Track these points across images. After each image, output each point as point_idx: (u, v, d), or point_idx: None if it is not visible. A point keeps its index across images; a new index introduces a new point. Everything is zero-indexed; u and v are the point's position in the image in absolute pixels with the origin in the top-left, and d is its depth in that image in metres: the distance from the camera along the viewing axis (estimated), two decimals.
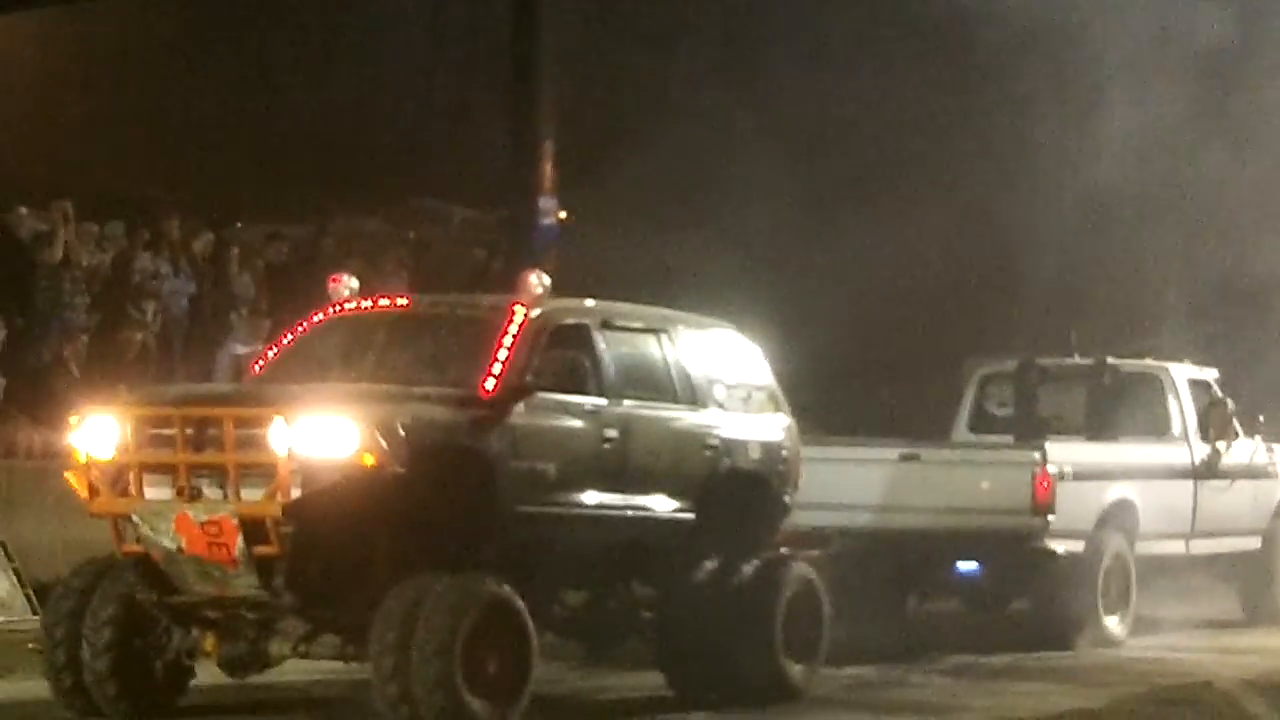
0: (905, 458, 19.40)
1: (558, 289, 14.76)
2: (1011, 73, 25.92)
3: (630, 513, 14.34)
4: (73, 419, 13.39)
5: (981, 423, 21.62)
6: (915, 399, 25.10)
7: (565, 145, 24.15)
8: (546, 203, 24.01)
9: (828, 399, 24.15)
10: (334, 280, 14.98)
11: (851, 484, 19.09)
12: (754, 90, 28.00)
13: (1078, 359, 21.72)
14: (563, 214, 24.64)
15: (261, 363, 14.70)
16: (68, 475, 13.36)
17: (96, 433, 13.10)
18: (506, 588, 12.90)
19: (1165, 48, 24.93)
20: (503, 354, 13.58)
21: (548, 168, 24.02)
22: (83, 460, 13.11)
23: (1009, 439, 20.64)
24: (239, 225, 23.67)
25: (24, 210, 21.98)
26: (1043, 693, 15.91)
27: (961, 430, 21.67)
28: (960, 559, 19.34)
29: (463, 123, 26.89)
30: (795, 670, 14.95)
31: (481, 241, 26.67)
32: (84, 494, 13.16)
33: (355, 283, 14.84)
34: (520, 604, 12.96)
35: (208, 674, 13.61)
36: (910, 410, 24.36)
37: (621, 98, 29.22)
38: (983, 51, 25.89)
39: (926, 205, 26.84)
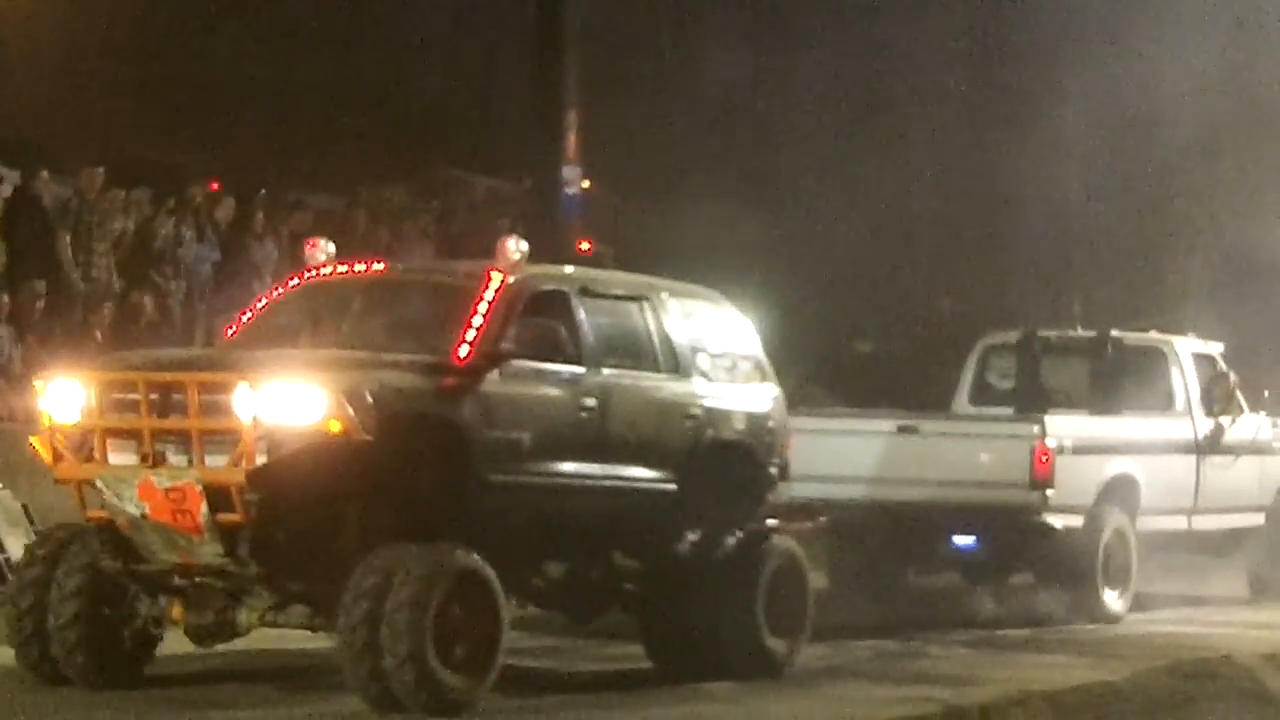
0: (903, 430, 19.34)
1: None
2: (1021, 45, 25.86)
3: (609, 483, 14.15)
4: (38, 384, 13.24)
5: (983, 395, 21.53)
6: (924, 370, 25.08)
7: (589, 116, 24.22)
8: (570, 172, 24.23)
9: (834, 367, 24.15)
10: (310, 245, 14.80)
11: (849, 456, 19.03)
12: (777, 61, 28.02)
13: (1081, 331, 21.66)
14: (585, 183, 24.72)
15: (234, 328, 14.52)
16: (33, 440, 13.21)
17: (61, 398, 12.91)
18: (477, 558, 12.70)
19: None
20: (477, 320, 13.37)
21: (571, 138, 24.17)
22: (47, 425, 12.93)
23: (1009, 411, 20.51)
24: (263, 193, 23.63)
25: (46, 175, 21.94)
26: (1062, 665, 15.91)
27: (963, 402, 21.59)
28: (958, 533, 19.23)
29: (488, 93, 26.87)
30: (778, 644, 14.81)
31: (505, 211, 26.72)
32: (48, 459, 12.99)
33: (331, 248, 14.63)
34: (491, 575, 12.77)
35: (177, 643, 13.49)
36: (920, 382, 24.31)
37: (645, 69, 29.25)
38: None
39: (941, 173, 26.81)
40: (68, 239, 21.12)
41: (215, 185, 23.89)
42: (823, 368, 23.62)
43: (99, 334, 20.17)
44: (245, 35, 30.21)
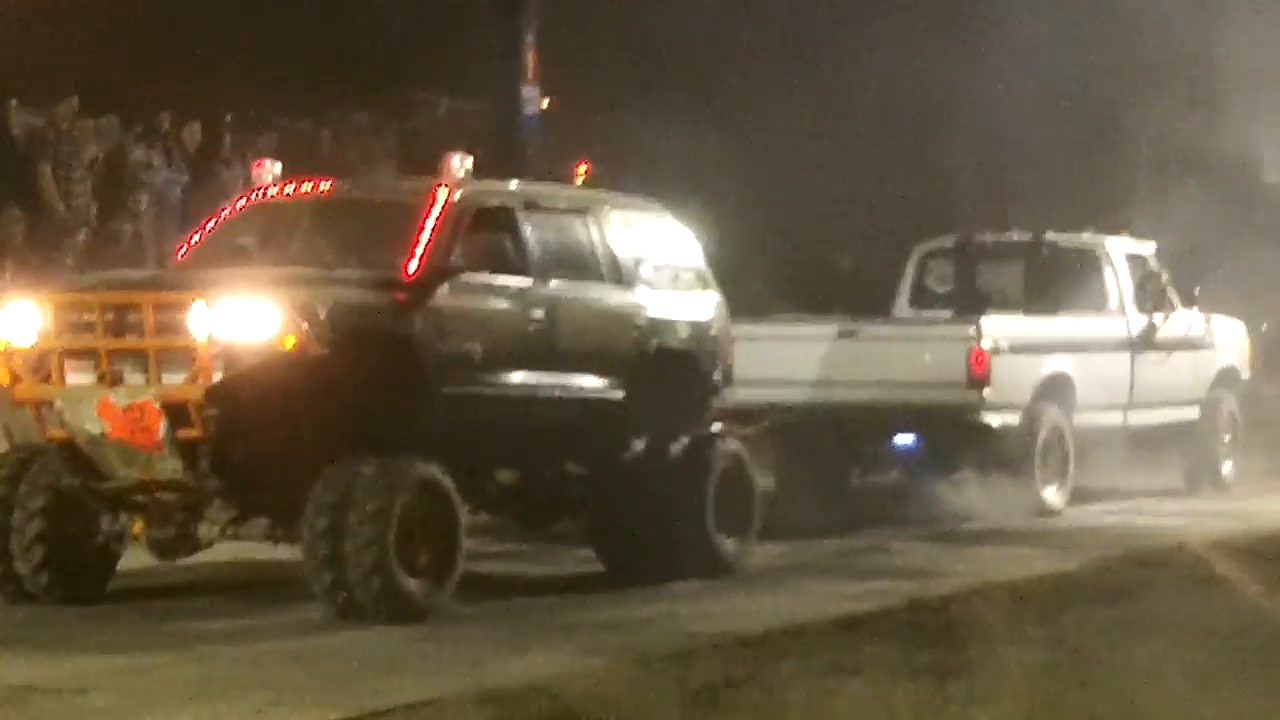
0: (843, 334, 19.60)
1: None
2: None
3: (559, 393, 14.36)
4: None
5: (922, 298, 21.78)
6: (865, 275, 25.28)
7: (547, 36, 24.39)
8: (529, 92, 24.45)
9: (786, 274, 24.39)
10: (256, 165, 14.96)
11: (792, 361, 19.27)
12: None
13: (1016, 234, 21.85)
14: (545, 103, 24.91)
15: (184, 249, 14.64)
16: None
17: (18, 320, 13.04)
18: (435, 468, 12.90)
19: None
20: (425, 236, 13.54)
21: (530, 58, 24.38)
22: (3, 348, 13.05)
23: (946, 314, 20.78)
24: (229, 117, 23.79)
25: (14, 103, 22.04)
26: (1020, 557, 16.15)
27: (902, 306, 21.83)
28: (899, 433, 19.48)
29: (449, 15, 26.95)
30: (727, 545, 15.03)
31: (467, 130, 26.91)
32: (6, 381, 13.14)
33: (278, 168, 14.76)
34: (449, 484, 12.99)
35: (135, 558, 13.66)
36: (862, 286, 24.49)
37: None
38: None
39: (890, 86, 26.99)
40: (48, 168, 21.27)
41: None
42: (779, 276, 23.84)
43: (70, 259, 20.33)
44: None
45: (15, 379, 13.05)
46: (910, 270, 21.97)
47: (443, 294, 13.42)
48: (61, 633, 12.29)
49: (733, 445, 15.41)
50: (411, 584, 12.63)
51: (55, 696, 10.38)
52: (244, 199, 14.85)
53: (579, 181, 14.05)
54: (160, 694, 10.45)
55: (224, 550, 13.76)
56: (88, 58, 23.15)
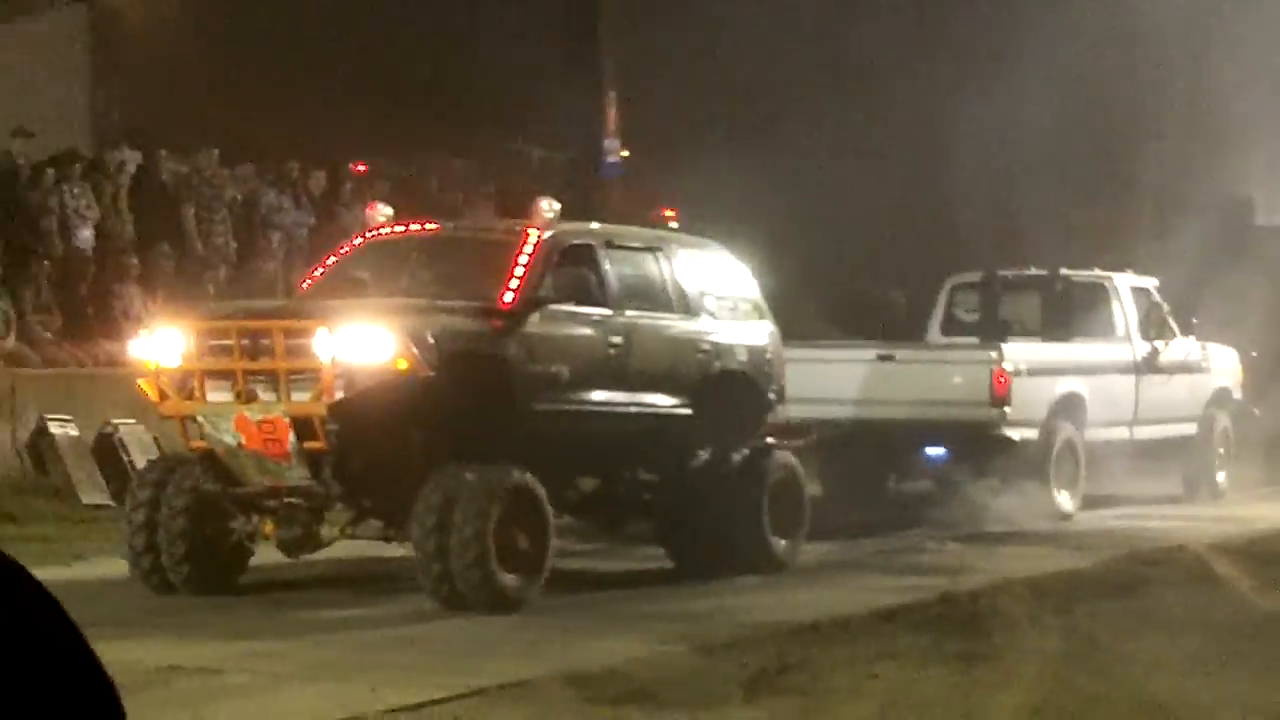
0: (882, 358, 19.71)
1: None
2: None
3: (634, 409, 14.48)
4: (144, 332, 13.65)
5: (952, 326, 21.87)
6: (912, 305, 25.38)
7: (626, 94, 24.71)
8: (610, 144, 24.73)
9: (833, 303, 24.58)
10: (370, 207, 15.17)
11: (836, 381, 19.36)
12: (784, 43, 28.42)
13: (1034, 270, 21.93)
14: (624, 153, 25.18)
15: (307, 281, 14.89)
16: (140, 382, 13.57)
17: (165, 344, 13.28)
18: (529, 476, 13.06)
19: None
20: (519, 271, 13.71)
21: (611, 114, 24.92)
22: (152, 368, 13.30)
23: (973, 340, 20.85)
24: (351, 164, 24.19)
25: (164, 153, 22.42)
26: (1039, 556, 16.13)
27: (935, 333, 21.91)
28: (930, 445, 19.63)
29: (541, 76, 27.24)
30: (780, 545, 15.14)
31: (557, 176, 27.20)
32: (155, 398, 13.38)
33: (390, 210, 14.99)
34: (540, 490, 13.13)
35: (265, 555, 13.85)
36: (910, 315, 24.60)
37: (676, 50, 29.58)
38: None
39: (917, 142, 27.14)
40: (191, 210, 21.63)
41: (362, 167, 24.39)
42: (832, 306, 24.05)
43: (212, 291, 20.59)
44: (331, 30, 30.69)
45: (163, 396, 13.27)
46: (941, 301, 22.11)
47: (534, 322, 13.61)
48: (200, 620, 12.44)
49: (786, 456, 15.53)
50: (507, 578, 12.77)
51: (196, 676, 10.49)
52: (360, 237, 15.06)
53: (671, 225, 14.17)
54: (288, 674, 10.56)
55: (342, 548, 13.90)
56: (227, 113, 23.52)
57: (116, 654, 10.89)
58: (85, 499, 18.04)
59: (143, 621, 12.35)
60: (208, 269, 21.38)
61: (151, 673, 10.44)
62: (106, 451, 18.51)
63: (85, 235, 20.86)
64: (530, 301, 13.66)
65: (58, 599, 2.75)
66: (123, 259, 20.79)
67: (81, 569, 14.88)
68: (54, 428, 18.40)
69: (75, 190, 20.91)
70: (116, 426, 18.55)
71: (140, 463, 17.64)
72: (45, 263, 20.13)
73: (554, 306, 13.82)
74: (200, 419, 13.15)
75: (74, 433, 18.47)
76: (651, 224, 15.47)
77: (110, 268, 20.78)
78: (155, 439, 18.03)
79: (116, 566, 13.92)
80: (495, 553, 12.69)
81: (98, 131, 25.22)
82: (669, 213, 14.70)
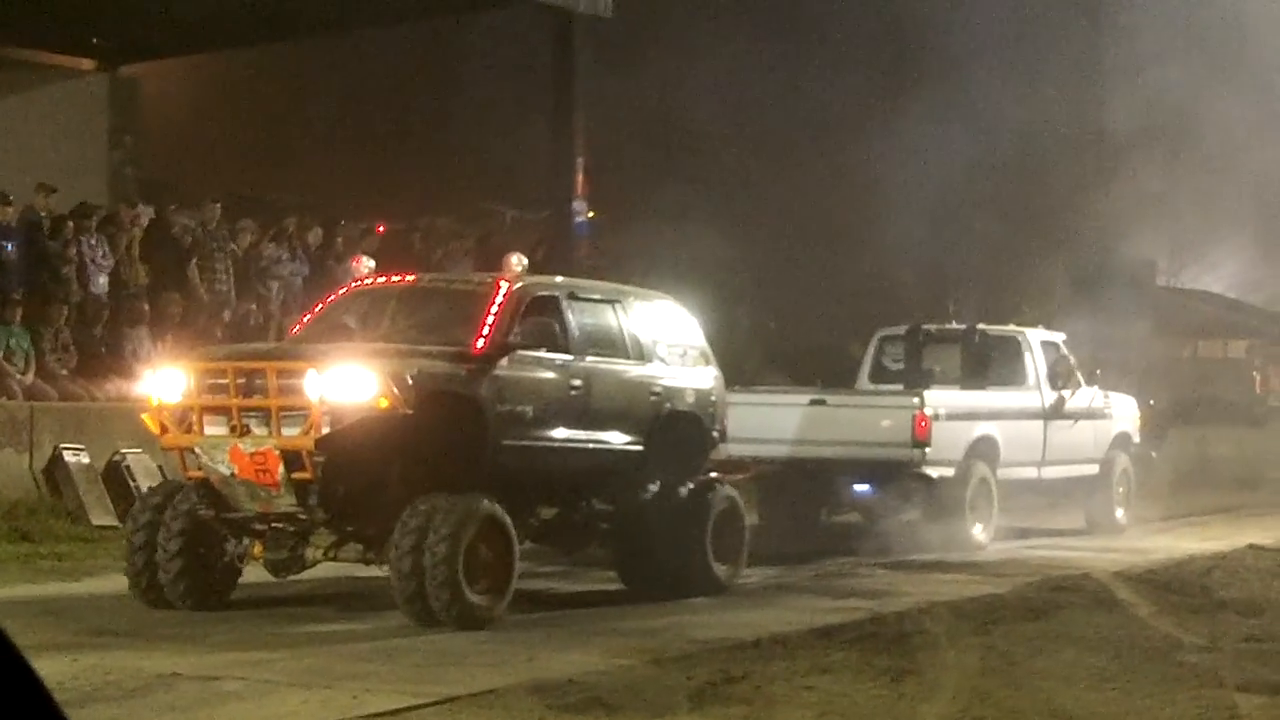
0: (814, 402, 19.66)
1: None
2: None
3: (592, 445, 14.36)
4: (148, 372, 13.51)
5: (879, 374, 21.82)
6: (840, 355, 25.40)
7: (593, 160, 24.76)
8: (579, 205, 24.84)
9: (774, 352, 24.54)
10: (355, 260, 15.03)
11: (774, 423, 19.30)
12: (734, 117, 28.50)
13: (954, 324, 21.96)
14: (590, 214, 25.23)
15: (298, 326, 14.75)
16: (143, 417, 13.43)
17: (166, 382, 13.15)
18: (497, 505, 12.93)
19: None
20: (490, 319, 13.59)
21: (579, 178, 24.82)
22: (155, 404, 13.17)
23: (898, 388, 20.82)
24: (343, 223, 24.10)
25: (174, 207, 22.34)
26: (960, 582, 16.08)
27: (864, 380, 21.85)
28: (858, 482, 19.54)
29: (515, 143, 27.32)
30: (722, 569, 15.01)
31: (530, 234, 27.20)
32: (156, 431, 13.23)
33: (372, 263, 14.88)
34: (507, 518, 13.00)
35: (254, 574, 13.73)
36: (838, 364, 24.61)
37: (636, 123, 29.65)
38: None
39: (848, 206, 27.24)
40: (195, 261, 21.49)
41: (380, 228, 24.31)
42: (770, 353, 24.03)
43: (218, 334, 20.47)
44: (327, 97, 30.80)
45: (165, 429, 13.12)
46: (870, 351, 22.07)
47: (503, 365, 13.46)
48: (198, 632, 12.33)
49: (728, 490, 15.40)
50: (476, 597, 12.63)
51: (195, 682, 10.41)
52: (345, 287, 14.95)
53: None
54: (278, 682, 10.46)
55: (325, 569, 13.75)
56: (233, 172, 23.54)
57: (122, 661, 10.95)
58: (95, 521, 17.99)
59: (146, 633, 12.28)
60: (211, 314, 21.22)
61: (154, 679, 10.44)
62: (115, 477, 18.50)
63: (101, 282, 20.85)
64: (500, 347, 13.51)
65: None
66: (134, 304, 20.69)
67: (91, 584, 14.84)
68: (68, 455, 18.37)
69: (92, 241, 20.91)
70: (125, 455, 18.54)
71: (145, 488, 17.51)
72: (64, 307, 20.00)
73: (522, 352, 13.67)
74: (198, 450, 12.97)
75: (86, 460, 18.45)
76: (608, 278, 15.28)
77: (123, 312, 20.66)
78: (159, 467, 17.95)
79: (123, 582, 13.72)
80: (465, 574, 12.54)
81: (114, 187, 25.19)
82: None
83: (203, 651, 11.52)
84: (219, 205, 22.18)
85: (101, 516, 18.05)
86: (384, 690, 10.20)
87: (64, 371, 19.68)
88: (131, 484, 18.28)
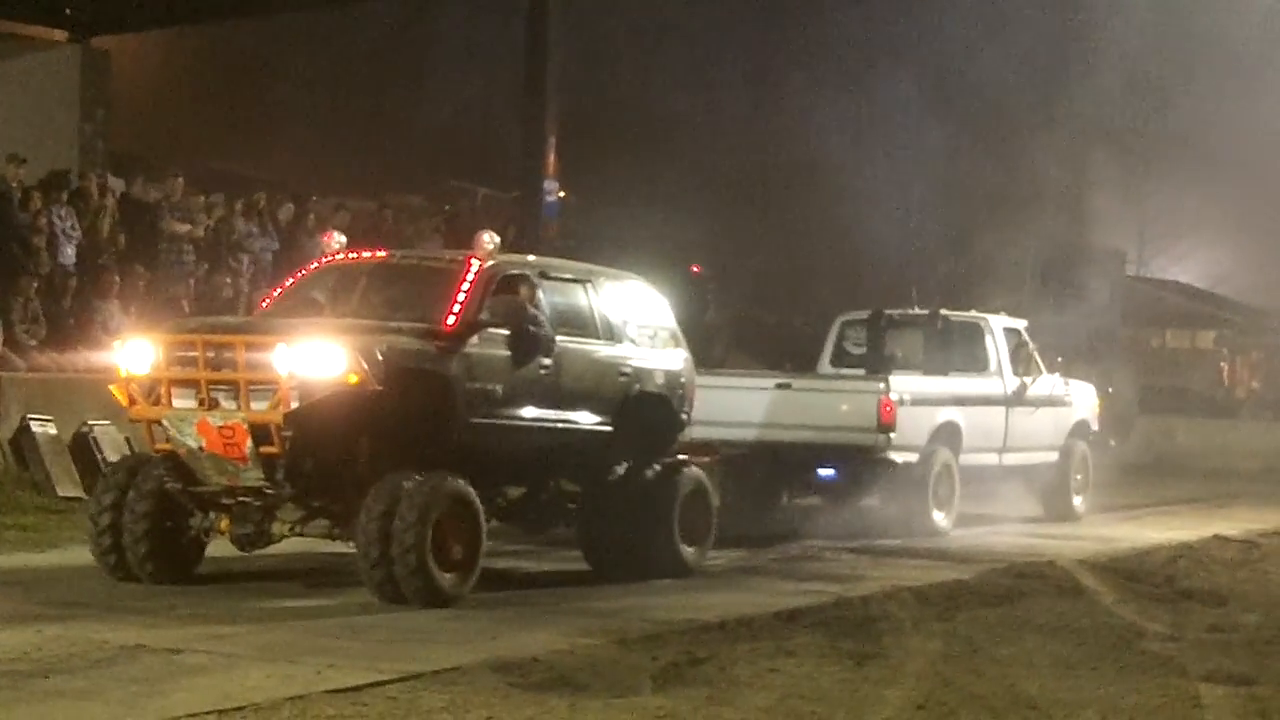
0: (780, 386, 19.54)
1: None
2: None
3: (561, 425, 14.24)
4: (116, 343, 13.32)
5: (841, 359, 21.66)
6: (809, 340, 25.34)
7: (565, 140, 24.74)
8: (549, 184, 24.86)
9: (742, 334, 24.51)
10: (325, 236, 14.89)
11: (738, 406, 19.16)
12: (701, 102, 28.49)
13: (917, 310, 21.83)
14: (561, 193, 25.20)
15: (268, 300, 14.58)
16: (111, 388, 13.27)
17: (135, 354, 13.00)
18: (464, 483, 12.82)
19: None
20: (460, 297, 13.48)
21: (551, 158, 24.82)
22: (124, 375, 13.01)
23: (861, 372, 20.69)
24: (315, 198, 23.96)
25: (141, 181, 22.27)
26: (925, 567, 16.06)
27: (825, 365, 21.70)
28: (821, 466, 19.41)
29: (487, 122, 27.23)
30: (689, 552, 14.93)
31: (501, 213, 27.12)
32: (125, 403, 13.09)
33: (343, 239, 14.73)
34: (474, 496, 12.90)
35: (220, 548, 13.62)
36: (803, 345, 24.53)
37: (607, 104, 29.61)
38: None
39: (819, 196, 27.25)
40: (165, 233, 21.43)
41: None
42: (740, 336, 24.01)
43: (185, 306, 20.34)
44: (299, 74, 30.71)
45: (133, 401, 12.98)
46: (832, 335, 21.91)
47: (473, 343, 13.34)
48: (163, 605, 12.26)
49: (697, 472, 15.30)
50: (443, 576, 12.55)
51: (159, 654, 10.38)
52: (316, 263, 14.78)
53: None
54: (241, 655, 10.44)
55: (290, 544, 13.63)
56: (205, 146, 23.47)
57: (87, 632, 10.74)
58: (62, 492, 17.85)
59: (112, 605, 12.23)
60: (178, 287, 21.03)
61: (118, 650, 10.44)
62: (82, 449, 18.35)
63: (70, 253, 20.67)
64: (470, 324, 13.39)
65: None
66: (103, 276, 20.49)
67: (56, 556, 14.77)
68: (35, 426, 18.20)
69: (62, 212, 20.73)
70: (92, 427, 18.38)
71: (112, 460, 17.37)
72: (34, 278, 19.81)
73: (491, 330, 13.54)
74: (165, 423, 12.84)
75: (53, 431, 18.31)
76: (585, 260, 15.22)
77: (91, 283, 20.45)
78: (127, 439, 17.82)
79: (88, 555, 13.59)
80: (433, 554, 12.43)
81: (85, 158, 25.01)
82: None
83: (167, 624, 11.47)
84: (180, 179, 22.06)
85: (68, 488, 17.91)
86: (348, 666, 10.15)
87: (33, 343, 19.51)
88: (99, 456, 18.18)
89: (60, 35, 26.60)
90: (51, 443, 18.16)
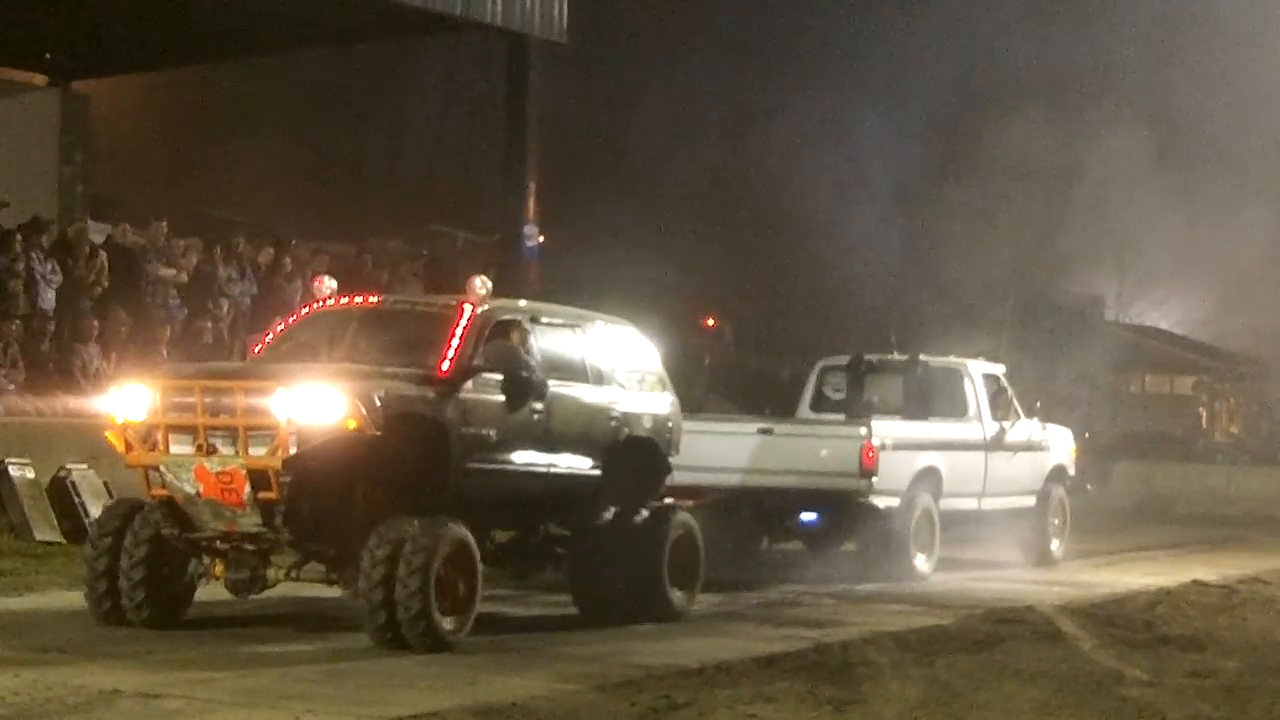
0: (762, 431, 19.66)
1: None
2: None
3: (551, 469, 14.39)
4: (112, 388, 13.45)
5: (821, 404, 21.79)
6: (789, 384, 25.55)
7: (545, 184, 24.99)
8: (529, 229, 24.96)
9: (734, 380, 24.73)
10: (316, 281, 15.06)
11: (721, 451, 19.26)
12: (683, 147, 28.73)
13: (897, 355, 22.04)
14: (541, 238, 25.44)
15: (260, 345, 14.74)
16: (107, 434, 13.37)
17: (132, 400, 13.13)
18: (464, 529, 12.96)
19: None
20: (455, 342, 13.64)
21: (531, 202, 24.97)
22: (120, 422, 13.13)
23: (842, 417, 20.86)
24: (294, 243, 24.19)
25: (126, 226, 22.47)
26: (905, 612, 16.11)
27: (805, 410, 21.83)
28: (803, 510, 19.56)
29: (467, 166, 27.47)
30: (677, 596, 15.07)
31: (480, 257, 27.32)
32: (121, 449, 13.18)
33: (334, 283, 14.90)
34: (473, 541, 13.05)
35: (206, 592, 13.70)
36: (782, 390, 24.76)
37: (586, 148, 29.83)
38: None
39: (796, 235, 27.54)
40: (145, 278, 21.63)
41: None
42: (722, 381, 24.23)
43: (164, 350, 20.49)
44: (279, 118, 30.87)
45: (129, 447, 13.08)
46: (812, 380, 22.07)
47: (467, 389, 13.49)
48: (142, 649, 12.31)
49: (684, 515, 15.43)
50: (444, 621, 12.69)
51: (136, 699, 10.42)
52: (307, 307, 14.95)
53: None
54: (220, 700, 10.48)
55: (278, 589, 13.67)
56: (183, 191, 23.66)
57: (64, 677, 10.93)
58: (39, 536, 17.96)
59: (90, 649, 12.28)
60: (159, 332, 21.21)
61: (95, 695, 10.46)
62: (60, 493, 18.45)
63: (49, 297, 20.80)
64: (465, 369, 13.56)
65: None
66: (83, 320, 20.68)
67: (33, 600, 14.78)
68: (13, 470, 18.32)
69: (42, 256, 20.85)
70: (70, 471, 18.49)
71: (90, 504, 17.58)
72: (13, 322, 20.00)
73: (485, 375, 13.72)
74: (162, 469, 12.96)
75: (31, 475, 18.41)
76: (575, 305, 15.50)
77: (71, 328, 20.64)
78: (105, 483, 17.95)
79: (66, 598, 13.73)
80: (437, 601, 12.59)
81: (64, 202, 25.21)
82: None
83: (146, 669, 11.52)
84: (164, 223, 22.26)
85: (45, 532, 18.02)
86: (327, 711, 10.23)
87: (11, 386, 19.68)
88: (77, 500, 18.28)
89: (40, 79, 26.84)
90: (29, 486, 18.28)
